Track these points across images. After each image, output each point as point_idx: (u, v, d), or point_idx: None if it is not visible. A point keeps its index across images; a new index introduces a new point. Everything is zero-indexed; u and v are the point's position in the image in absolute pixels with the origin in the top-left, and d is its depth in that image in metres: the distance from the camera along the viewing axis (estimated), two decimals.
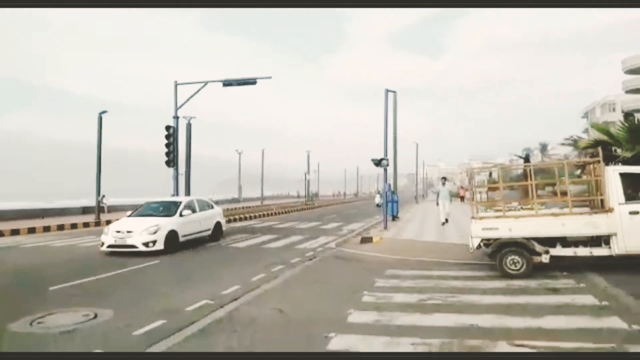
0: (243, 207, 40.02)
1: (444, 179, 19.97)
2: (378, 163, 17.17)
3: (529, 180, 9.21)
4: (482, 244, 9.02)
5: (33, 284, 8.79)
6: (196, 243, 14.25)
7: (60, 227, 21.14)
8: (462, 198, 38.85)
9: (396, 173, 26.68)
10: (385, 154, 17.68)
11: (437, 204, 18.56)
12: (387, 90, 18.79)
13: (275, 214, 30.72)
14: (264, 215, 28.88)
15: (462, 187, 45.07)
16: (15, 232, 19.01)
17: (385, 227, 17.25)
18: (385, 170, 17.75)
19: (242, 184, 64.10)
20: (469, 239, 9.40)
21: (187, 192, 23.28)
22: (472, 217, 9.16)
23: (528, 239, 8.60)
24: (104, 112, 26.07)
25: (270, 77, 21.79)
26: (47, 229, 20.45)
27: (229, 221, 23.79)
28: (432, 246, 12.65)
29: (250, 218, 26.58)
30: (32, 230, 19.68)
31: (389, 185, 18.81)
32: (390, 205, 20.11)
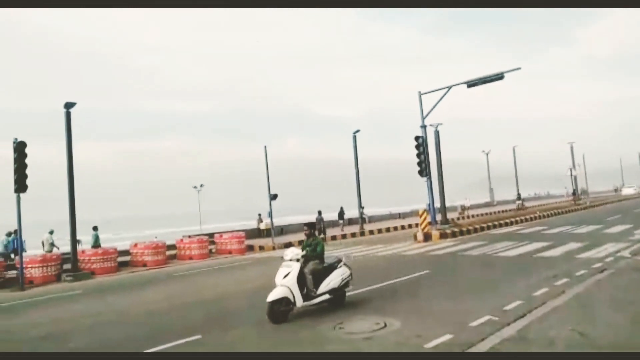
0: (500, 211, 37.71)
1: None
2: None
3: None
4: None
5: None
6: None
7: (334, 238, 24.10)
8: None
9: None
10: None
11: None
12: None
13: (539, 217, 27.78)
14: (526, 220, 26.45)
15: None
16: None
17: None
18: None
19: (494, 185, 60.45)
20: None
21: (442, 199, 23.30)
22: None
23: None
24: (357, 131, 28.74)
25: (519, 69, 20.11)
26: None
27: (487, 228, 22.71)
28: None
29: (511, 224, 24.72)
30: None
31: None
32: None
